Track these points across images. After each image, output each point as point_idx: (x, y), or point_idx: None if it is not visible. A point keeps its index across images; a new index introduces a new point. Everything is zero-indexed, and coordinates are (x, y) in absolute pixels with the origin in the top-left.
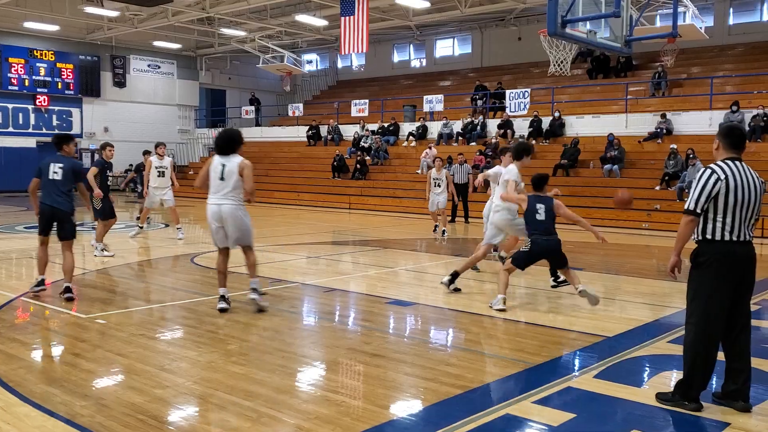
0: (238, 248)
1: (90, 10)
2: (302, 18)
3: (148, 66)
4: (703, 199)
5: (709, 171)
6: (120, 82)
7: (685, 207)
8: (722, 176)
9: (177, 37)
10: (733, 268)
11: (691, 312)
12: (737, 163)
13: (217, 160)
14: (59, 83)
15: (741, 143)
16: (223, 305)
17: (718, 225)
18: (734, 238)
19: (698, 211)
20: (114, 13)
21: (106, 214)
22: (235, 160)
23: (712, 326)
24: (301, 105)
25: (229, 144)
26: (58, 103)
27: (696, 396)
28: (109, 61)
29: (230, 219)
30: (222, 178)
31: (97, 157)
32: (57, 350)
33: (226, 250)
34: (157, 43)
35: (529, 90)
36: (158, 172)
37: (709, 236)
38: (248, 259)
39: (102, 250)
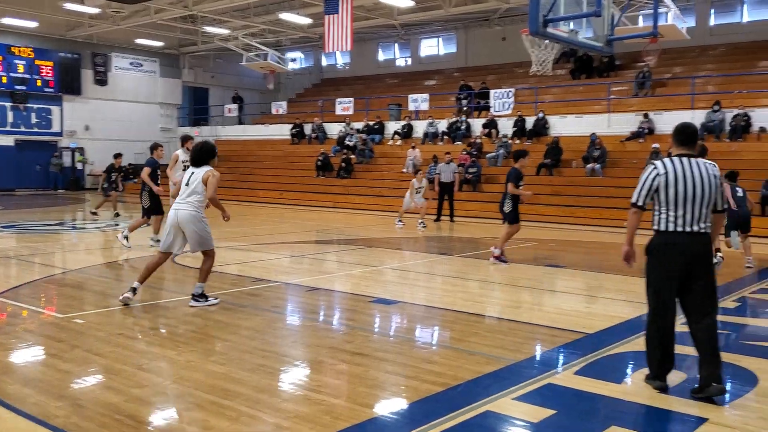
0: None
1: (70, 6)
2: (286, 16)
3: (130, 64)
4: (644, 192)
5: (651, 167)
6: (101, 80)
7: (630, 200)
8: (662, 171)
9: (159, 35)
10: (677, 258)
11: (647, 298)
12: (683, 159)
13: (189, 169)
14: (38, 80)
15: (690, 140)
16: (128, 295)
17: (663, 216)
18: (678, 229)
19: (640, 203)
20: (95, 10)
21: (154, 211)
22: (203, 169)
23: (660, 310)
24: (284, 103)
25: (201, 157)
26: (37, 101)
27: (657, 375)
28: (90, 59)
29: (185, 224)
30: (187, 184)
31: (148, 156)
32: (33, 350)
33: (166, 256)
34: (140, 41)
35: (513, 90)
36: (184, 165)
37: (655, 227)
38: (204, 263)
39: (156, 241)
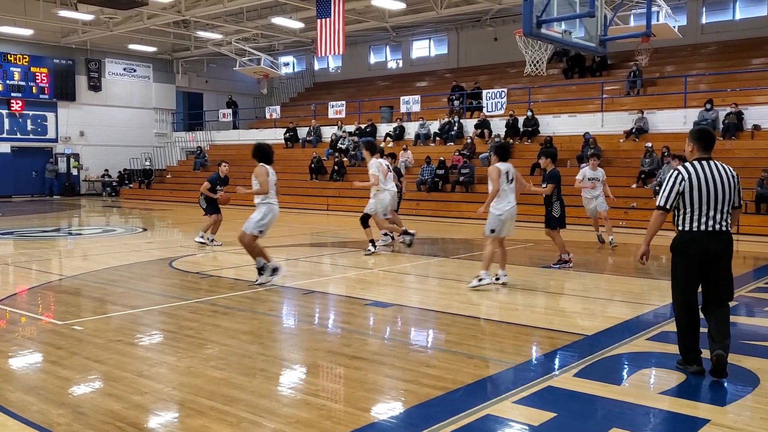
0: None
1: (64, 13)
2: (278, 20)
3: (124, 69)
4: (672, 196)
5: (675, 172)
6: (95, 86)
7: (657, 203)
8: (685, 176)
9: (153, 40)
10: (699, 254)
11: (672, 291)
12: (704, 162)
13: (503, 167)
14: (34, 87)
15: (712, 145)
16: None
17: (688, 217)
18: (702, 228)
19: (667, 206)
20: (88, 17)
21: (213, 210)
22: (512, 168)
23: (685, 300)
24: (278, 107)
25: (508, 154)
26: (32, 108)
27: (691, 360)
28: (84, 65)
29: (514, 217)
30: (510, 181)
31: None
32: (33, 358)
33: (502, 240)
34: (133, 47)
35: (505, 90)
36: (591, 182)
37: (680, 227)
38: (501, 249)
39: (203, 237)
